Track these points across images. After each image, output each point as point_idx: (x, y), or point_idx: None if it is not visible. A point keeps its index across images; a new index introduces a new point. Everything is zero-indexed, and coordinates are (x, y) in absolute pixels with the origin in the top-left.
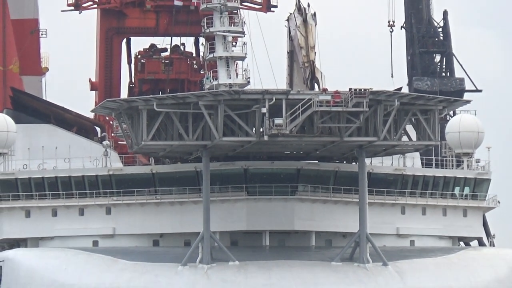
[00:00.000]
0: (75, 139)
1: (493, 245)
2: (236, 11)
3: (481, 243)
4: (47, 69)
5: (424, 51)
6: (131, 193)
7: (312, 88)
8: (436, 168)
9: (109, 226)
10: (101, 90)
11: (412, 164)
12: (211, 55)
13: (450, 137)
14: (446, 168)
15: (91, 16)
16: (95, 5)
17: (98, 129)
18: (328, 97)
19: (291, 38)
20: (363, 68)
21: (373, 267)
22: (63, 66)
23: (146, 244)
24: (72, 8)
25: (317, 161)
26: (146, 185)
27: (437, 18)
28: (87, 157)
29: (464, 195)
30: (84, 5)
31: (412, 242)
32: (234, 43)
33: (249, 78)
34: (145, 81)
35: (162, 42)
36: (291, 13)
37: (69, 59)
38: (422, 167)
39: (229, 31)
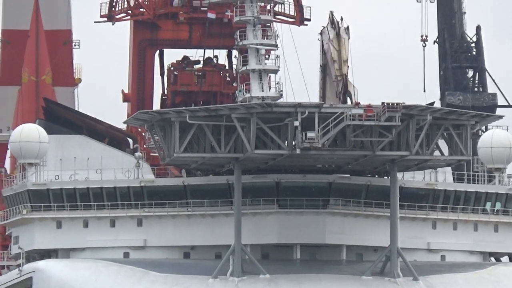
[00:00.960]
0: (107, 150)
1: None
2: (269, 24)
3: None
4: (79, 80)
5: (457, 66)
6: (163, 205)
7: (345, 101)
8: (467, 183)
9: (140, 238)
10: (133, 101)
11: (443, 179)
12: (244, 68)
13: (482, 152)
14: (477, 183)
15: (124, 28)
16: (128, 17)
17: (130, 140)
18: (361, 111)
19: (324, 52)
20: (396, 82)
21: (403, 282)
22: (96, 77)
23: (177, 256)
24: (105, 19)
25: (349, 175)
26: (178, 197)
27: (470, 33)
28: (119, 169)
29: (495, 210)
30: (117, 17)
31: (443, 257)
32: (267, 56)
33: (281, 91)
34: (177, 93)
35: (195, 54)
36: (324, 27)
37: (101, 70)
38: (454, 182)
39: (262, 44)
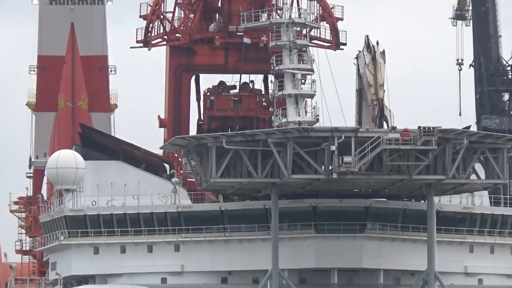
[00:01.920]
0: (144, 176)
1: None
2: (305, 49)
3: None
4: (115, 105)
5: (493, 89)
6: (200, 230)
7: (381, 126)
8: (504, 206)
9: (177, 263)
10: (170, 127)
11: (480, 202)
12: (280, 93)
13: None
14: None
15: (160, 53)
16: (164, 42)
17: (167, 166)
18: (397, 135)
19: (360, 76)
20: (432, 106)
21: None
22: (132, 103)
23: (215, 282)
24: (141, 45)
25: (385, 199)
26: (215, 222)
27: (506, 56)
28: (156, 194)
29: None
30: (153, 42)
31: (480, 280)
32: (303, 81)
33: (318, 115)
34: (214, 118)
35: (231, 79)
36: (360, 51)
37: (138, 96)
38: (491, 205)
39: (298, 69)
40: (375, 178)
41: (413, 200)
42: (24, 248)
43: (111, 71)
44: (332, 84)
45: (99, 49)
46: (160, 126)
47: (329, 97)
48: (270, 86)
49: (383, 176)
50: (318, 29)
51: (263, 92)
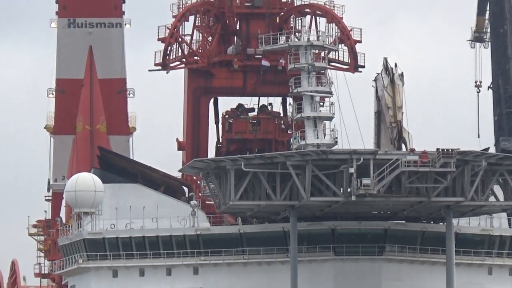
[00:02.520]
0: (163, 199)
1: None
2: (323, 71)
3: None
4: (134, 128)
5: (511, 111)
6: (219, 253)
7: (400, 148)
8: None
9: (196, 286)
10: (188, 149)
11: (499, 224)
12: (298, 115)
13: None
14: None
15: (178, 76)
16: (183, 65)
17: (185, 189)
18: (416, 157)
19: (378, 98)
20: (450, 128)
21: None
22: (150, 126)
23: None
24: (160, 68)
25: (404, 221)
26: (234, 245)
27: None
28: (175, 217)
29: None
30: (171, 65)
31: None
32: (321, 103)
33: (336, 138)
34: (232, 141)
35: (250, 102)
36: (378, 73)
37: (156, 118)
38: (509, 227)
39: (316, 91)
40: (393, 200)
41: (432, 222)
42: (43, 272)
43: (129, 94)
44: (351, 106)
45: (118, 72)
46: (179, 149)
47: (347, 120)
48: (289, 108)
49: (402, 198)
50: (337, 52)
51: (281, 115)
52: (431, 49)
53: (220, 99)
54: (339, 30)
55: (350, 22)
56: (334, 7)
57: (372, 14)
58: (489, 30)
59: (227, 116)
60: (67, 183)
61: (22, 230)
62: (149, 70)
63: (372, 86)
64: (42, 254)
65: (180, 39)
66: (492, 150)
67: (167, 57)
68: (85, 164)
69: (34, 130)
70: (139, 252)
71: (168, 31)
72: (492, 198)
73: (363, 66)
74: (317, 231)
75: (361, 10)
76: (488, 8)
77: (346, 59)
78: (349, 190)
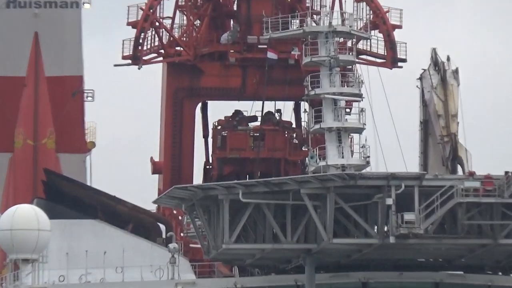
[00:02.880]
0: (131, 241)
1: None
2: (350, 67)
3: None
4: (93, 144)
5: None
6: None
7: (455, 171)
8: None
9: None
10: (167, 173)
11: None
12: (317, 126)
13: None
14: None
15: (155, 73)
16: (161, 58)
17: (162, 227)
18: (477, 184)
19: (425, 103)
20: None
21: None
22: (116, 141)
23: None
24: (129, 61)
25: (462, 272)
26: None
27: None
28: (147, 266)
29: None
30: (145, 58)
31: None
32: (348, 110)
33: (368, 157)
34: (227, 161)
35: (251, 108)
36: (425, 70)
37: (123, 130)
38: None
39: (341, 94)
40: (447, 243)
41: (500, 273)
42: None
43: (87, 97)
44: (388, 114)
45: (72, 67)
46: (154, 172)
47: (383, 132)
48: (304, 117)
49: (458, 240)
50: (369, 40)
51: (293, 126)
52: (495, 37)
53: (210, 103)
54: (371, 12)
55: (387, 0)
56: None
57: None
58: None
59: (219, 127)
60: (0, 219)
61: None
62: (115, 65)
63: (417, 86)
64: None
65: (157, 24)
66: None
67: (140, 48)
68: (26, 192)
69: None
70: None
71: (141, 12)
72: None
73: (404, 60)
74: (342, 285)
75: None
76: None
77: (381, 51)
78: (386, 229)
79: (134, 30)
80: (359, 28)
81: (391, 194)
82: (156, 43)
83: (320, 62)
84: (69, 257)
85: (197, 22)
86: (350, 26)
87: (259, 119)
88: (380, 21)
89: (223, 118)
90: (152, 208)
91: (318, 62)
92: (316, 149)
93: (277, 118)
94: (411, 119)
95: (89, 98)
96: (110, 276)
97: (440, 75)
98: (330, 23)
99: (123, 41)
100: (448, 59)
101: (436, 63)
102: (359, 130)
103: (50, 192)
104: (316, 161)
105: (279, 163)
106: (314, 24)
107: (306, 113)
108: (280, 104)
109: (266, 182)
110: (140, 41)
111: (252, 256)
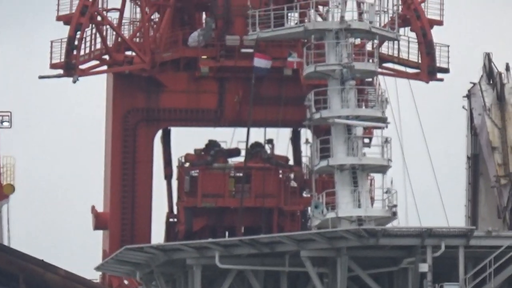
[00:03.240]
0: None
1: None
2: (371, 79)
3: None
4: (11, 188)
5: None
6: None
7: None
8: None
9: None
10: (114, 228)
11: None
12: (323, 163)
13: None
14: None
15: (97, 87)
16: (104, 67)
17: None
18: None
19: (474, 131)
20: None
21: None
22: (42, 183)
23: None
24: (60, 72)
25: None
26: None
27: None
28: None
29: None
30: (82, 67)
31: None
32: (367, 140)
33: (395, 206)
34: (198, 212)
35: (231, 137)
36: (474, 84)
37: (52, 168)
38: None
39: (357, 118)
40: None
41: None
42: None
43: (2, 122)
44: (422, 146)
45: None
46: (97, 227)
47: (415, 171)
48: (304, 150)
49: None
50: (396, 42)
51: (290, 162)
52: None
53: (174, 131)
54: (400, 1)
55: None
56: None
57: None
58: None
59: (188, 165)
60: None
61: None
62: (41, 77)
63: (463, 107)
64: None
65: (99, 18)
66: None
67: (75, 52)
68: None
69: None
70: None
71: (77, 2)
72: None
73: (445, 70)
74: None
75: None
76: None
77: (414, 57)
78: None
79: (67, 28)
80: (383, 24)
81: (427, 258)
82: (98, 46)
83: (328, 72)
84: None
85: (156, 17)
86: (371, 22)
87: (243, 152)
88: (412, 14)
89: (192, 152)
90: (95, 276)
91: (325, 73)
92: (323, 196)
93: (268, 151)
94: (455, 153)
95: (5, 124)
96: None
97: (496, 91)
98: (342, 17)
99: (52, 42)
100: (508, 68)
101: (490, 74)
102: (383, 169)
103: None
104: (322, 212)
105: (271, 215)
106: (319, 19)
107: (308, 144)
108: (272, 132)
109: (253, 241)
110: (76, 43)
111: None
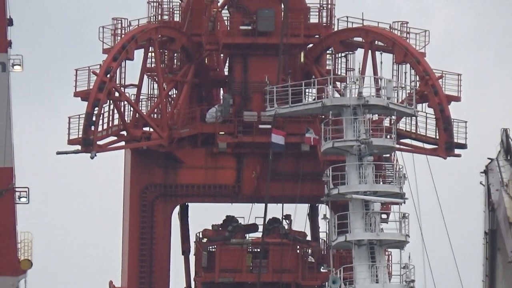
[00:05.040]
0: None
1: None
2: (389, 155)
3: None
4: (29, 263)
5: None
6: None
7: None
8: None
9: None
10: None
11: None
12: (341, 239)
13: None
14: None
15: (114, 162)
16: (122, 143)
17: None
18: None
19: (492, 207)
20: None
21: None
22: (59, 258)
23: None
24: (78, 148)
25: None
26: None
27: None
28: None
29: None
30: (100, 143)
31: None
32: (385, 216)
33: (413, 281)
34: (215, 287)
35: (249, 213)
36: (492, 159)
37: (70, 244)
38: None
39: (375, 193)
40: None
41: None
42: None
43: (20, 197)
44: (440, 222)
45: None
46: None
47: (433, 247)
48: (322, 225)
49: None
50: (414, 118)
51: (308, 238)
52: None
53: (192, 207)
54: (418, 77)
55: (438, 61)
56: (408, 34)
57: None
58: None
59: (205, 240)
60: None
61: None
62: (58, 153)
63: (481, 183)
64: None
65: (116, 94)
66: None
67: (93, 128)
68: None
69: None
70: None
71: (94, 78)
72: None
73: (463, 146)
74: None
75: (458, 36)
76: None
77: (432, 133)
78: None
79: (85, 104)
80: (400, 100)
81: None
82: (116, 122)
83: (346, 148)
84: None
85: (173, 93)
86: (388, 98)
87: (260, 228)
88: (430, 90)
89: (210, 227)
90: None
91: (343, 149)
92: (340, 271)
93: (286, 227)
94: (473, 229)
95: (22, 199)
96: None
97: None
98: (360, 93)
99: (69, 118)
100: None
101: (508, 150)
102: (401, 244)
103: None
104: (340, 287)
105: None
106: (337, 95)
107: (326, 220)
108: (289, 208)
109: None
110: (94, 119)
111: None
